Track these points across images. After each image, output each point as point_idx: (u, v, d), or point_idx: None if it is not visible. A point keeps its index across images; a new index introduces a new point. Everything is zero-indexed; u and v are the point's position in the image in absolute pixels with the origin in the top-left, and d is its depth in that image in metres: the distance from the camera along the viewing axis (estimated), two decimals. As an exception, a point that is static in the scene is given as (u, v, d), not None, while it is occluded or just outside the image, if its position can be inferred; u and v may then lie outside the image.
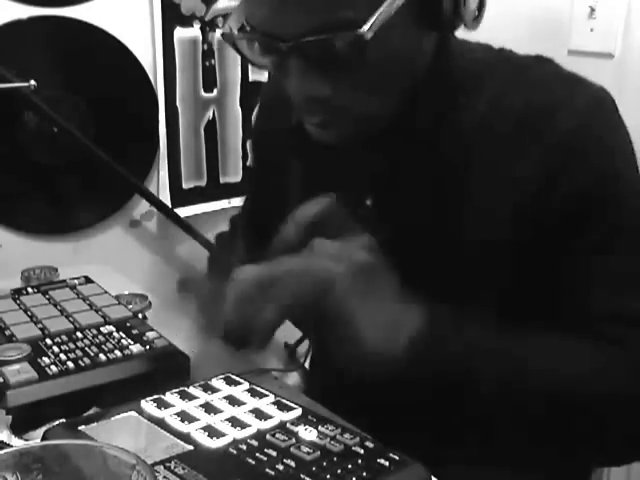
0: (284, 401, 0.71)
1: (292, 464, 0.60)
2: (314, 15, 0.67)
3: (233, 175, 1.88)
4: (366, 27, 0.66)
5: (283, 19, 0.68)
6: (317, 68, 0.71)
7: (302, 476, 0.59)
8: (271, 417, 0.68)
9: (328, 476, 0.59)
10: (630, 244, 0.74)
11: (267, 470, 0.60)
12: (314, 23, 0.67)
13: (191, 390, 0.73)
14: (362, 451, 0.63)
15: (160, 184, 1.77)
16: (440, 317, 0.70)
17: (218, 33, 1.74)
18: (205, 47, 1.75)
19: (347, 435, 0.65)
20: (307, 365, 1.06)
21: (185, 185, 1.81)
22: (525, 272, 0.76)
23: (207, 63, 1.76)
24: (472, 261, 0.77)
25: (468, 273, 0.78)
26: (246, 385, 0.75)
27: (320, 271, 0.66)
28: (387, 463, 0.61)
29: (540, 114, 0.75)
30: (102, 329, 0.86)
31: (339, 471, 0.59)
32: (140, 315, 0.94)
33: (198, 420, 0.67)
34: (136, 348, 0.82)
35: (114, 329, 0.86)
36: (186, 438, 0.65)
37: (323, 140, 0.79)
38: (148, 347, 0.82)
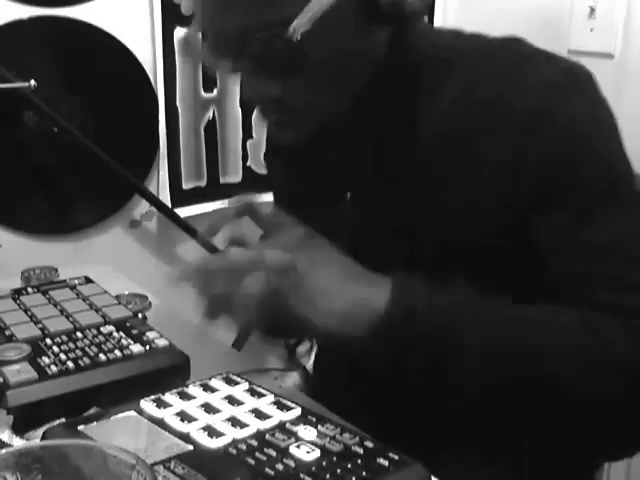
0: (283, 401, 0.71)
1: (292, 464, 0.60)
2: (247, 17, 0.70)
3: (233, 175, 1.88)
4: (292, 27, 0.69)
5: (221, 23, 0.72)
6: (263, 68, 0.73)
7: (302, 476, 0.59)
8: (270, 417, 0.68)
9: (328, 476, 0.59)
10: (607, 213, 0.73)
11: (267, 470, 0.60)
12: (247, 25, 0.70)
13: (191, 390, 0.73)
14: (362, 451, 0.63)
15: (160, 184, 1.77)
16: (411, 284, 0.70)
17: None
18: (205, 47, 1.75)
19: (347, 435, 0.65)
20: (309, 366, 1.06)
21: (185, 185, 1.81)
22: (511, 258, 0.76)
23: (207, 63, 1.76)
24: (455, 255, 0.77)
25: (450, 267, 0.78)
26: (245, 385, 0.75)
27: (277, 259, 0.68)
28: (387, 463, 0.61)
29: (510, 93, 0.75)
30: (102, 329, 0.86)
31: (339, 471, 0.59)
32: (140, 315, 0.94)
33: (198, 420, 0.67)
34: (136, 348, 0.82)
35: (114, 329, 0.86)
36: (186, 438, 0.65)
37: (281, 139, 0.81)
38: (148, 347, 0.82)
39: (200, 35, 0.77)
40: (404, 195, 0.80)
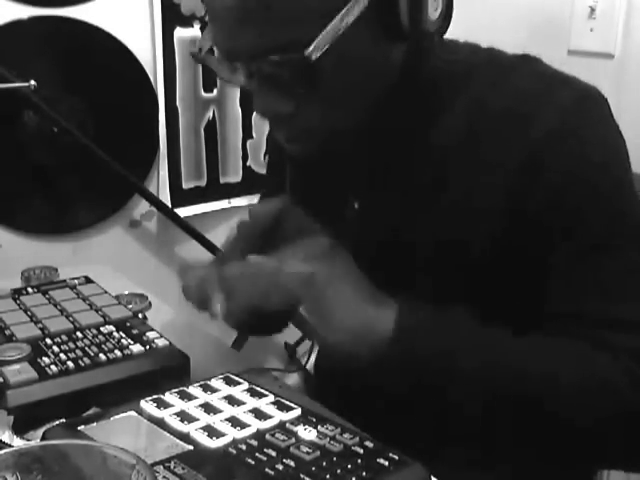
0: (284, 401, 0.71)
1: (292, 464, 0.60)
2: (264, 37, 0.69)
3: (233, 175, 1.88)
4: (311, 48, 0.67)
5: (237, 42, 0.70)
6: (276, 87, 0.72)
7: (302, 476, 0.59)
8: (271, 417, 0.68)
9: (328, 476, 0.59)
10: (617, 245, 0.73)
11: (267, 470, 0.60)
12: (264, 45, 0.69)
13: (191, 390, 0.73)
14: (362, 451, 0.63)
15: (160, 184, 1.77)
16: (417, 309, 0.71)
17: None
18: (205, 47, 1.75)
19: (347, 435, 0.65)
20: (309, 366, 1.06)
21: (185, 185, 1.81)
22: (511, 279, 0.76)
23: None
24: (457, 264, 0.77)
25: (454, 275, 0.78)
26: (245, 385, 0.75)
27: (298, 271, 0.70)
28: (387, 463, 0.61)
29: (522, 113, 0.74)
30: (102, 329, 0.86)
31: (339, 471, 0.59)
32: (140, 315, 0.94)
33: (198, 420, 0.67)
34: (136, 348, 0.82)
35: (114, 329, 0.86)
36: (186, 438, 0.65)
37: (293, 154, 0.81)
38: (148, 347, 0.82)
39: (212, 47, 0.76)
40: (412, 205, 0.80)
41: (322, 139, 0.78)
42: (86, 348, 0.81)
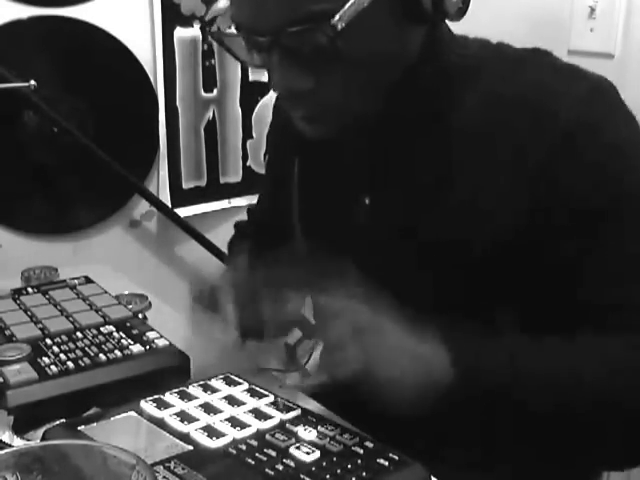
0: (284, 401, 0.71)
1: (292, 464, 0.60)
2: (289, 9, 0.69)
3: (233, 175, 1.88)
4: (337, 17, 0.68)
5: (261, 15, 0.70)
6: (298, 61, 0.72)
7: (302, 476, 0.59)
8: (271, 417, 0.68)
9: (327, 476, 0.59)
10: (636, 233, 0.73)
11: (267, 470, 0.60)
12: (289, 17, 0.69)
13: (191, 390, 0.73)
14: (361, 451, 0.63)
15: (160, 184, 1.77)
16: (464, 345, 0.71)
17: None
18: (205, 47, 1.75)
19: (346, 435, 0.65)
20: (310, 367, 1.06)
21: (185, 185, 1.80)
22: (527, 271, 0.76)
23: (207, 63, 1.76)
24: (471, 261, 0.77)
25: (467, 274, 0.78)
26: (245, 385, 0.75)
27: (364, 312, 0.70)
28: (387, 463, 0.61)
29: (538, 105, 0.74)
30: (102, 329, 0.86)
31: (339, 471, 0.60)
32: (140, 315, 0.94)
33: (198, 420, 0.67)
34: (136, 348, 0.82)
35: (114, 329, 0.86)
36: (186, 438, 0.65)
37: (310, 135, 0.80)
38: (148, 347, 0.82)
39: (230, 26, 0.76)
40: (423, 198, 0.80)
41: (340, 119, 0.77)
42: (86, 348, 0.81)
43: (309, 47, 0.70)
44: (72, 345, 0.82)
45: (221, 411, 0.69)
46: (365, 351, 0.68)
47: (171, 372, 0.81)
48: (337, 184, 0.89)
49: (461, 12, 0.74)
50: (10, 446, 0.66)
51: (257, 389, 0.74)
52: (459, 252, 0.77)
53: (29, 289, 0.98)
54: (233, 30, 0.76)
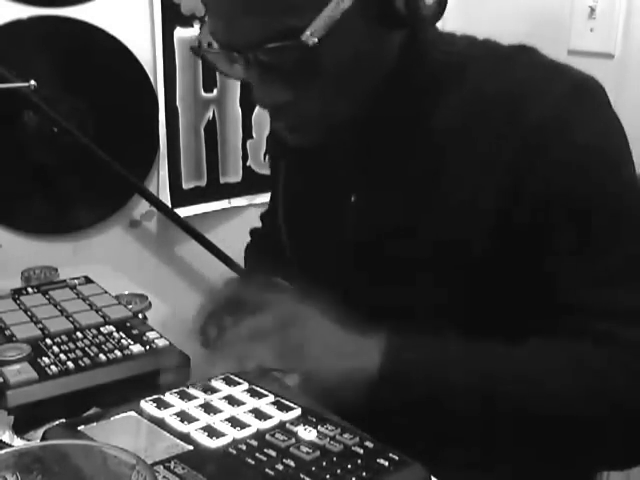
0: (284, 401, 0.71)
1: (292, 464, 0.60)
2: (260, 26, 0.69)
3: (233, 175, 1.88)
4: (307, 33, 0.68)
5: (235, 32, 0.71)
6: (275, 75, 0.73)
7: (302, 476, 0.59)
8: (271, 417, 0.68)
9: (328, 476, 0.59)
10: (610, 238, 0.72)
11: (267, 470, 0.60)
12: (262, 33, 0.69)
13: (191, 390, 0.73)
14: (362, 451, 0.62)
15: (160, 184, 1.77)
16: (400, 340, 0.72)
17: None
18: (205, 47, 1.75)
19: (347, 435, 0.65)
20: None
21: (185, 185, 1.81)
22: (505, 272, 0.76)
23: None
24: (453, 257, 0.77)
25: (447, 270, 0.78)
26: (246, 385, 0.75)
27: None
28: (387, 463, 0.61)
29: (517, 101, 0.74)
30: (102, 329, 0.86)
31: (339, 471, 0.59)
32: (140, 315, 0.94)
33: (198, 420, 0.67)
34: (136, 348, 0.82)
35: (114, 329, 0.86)
36: (186, 438, 0.64)
37: (293, 144, 0.81)
38: (148, 347, 0.82)
39: (211, 41, 0.77)
40: (409, 197, 0.80)
41: (322, 127, 0.78)
42: (86, 348, 0.81)
43: (285, 62, 0.71)
44: (72, 345, 0.82)
45: (221, 411, 0.69)
46: (285, 343, 0.72)
47: (171, 372, 0.81)
48: (322, 186, 0.89)
49: (437, 15, 0.73)
50: (10, 446, 0.66)
51: (257, 389, 0.74)
52: (458, 252, 0.77)
53: (29, 289, 0.98)
54: (215, 45, 0.76)
